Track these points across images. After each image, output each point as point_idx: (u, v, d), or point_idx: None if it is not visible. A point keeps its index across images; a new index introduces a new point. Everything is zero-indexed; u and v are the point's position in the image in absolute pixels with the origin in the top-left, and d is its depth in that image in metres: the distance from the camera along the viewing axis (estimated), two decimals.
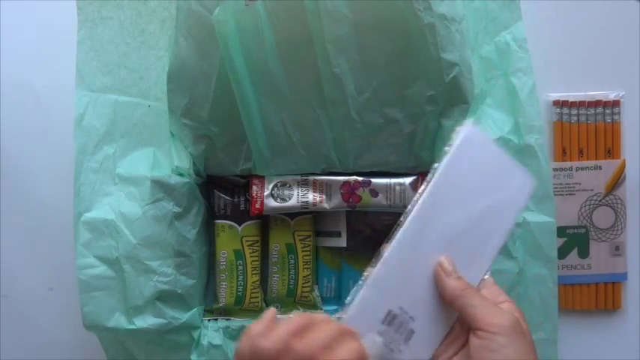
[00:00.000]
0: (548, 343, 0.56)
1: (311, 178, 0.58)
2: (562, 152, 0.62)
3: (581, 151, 0.62)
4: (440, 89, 0.53)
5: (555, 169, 0.61)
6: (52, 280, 0.64)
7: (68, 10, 0.57)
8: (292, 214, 0.59)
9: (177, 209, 0.55)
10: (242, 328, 0.57)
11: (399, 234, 0.41)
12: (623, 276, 0.62)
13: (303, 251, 0.60)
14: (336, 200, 0.58)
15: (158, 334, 0.56)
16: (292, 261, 0.60)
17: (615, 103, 0.61)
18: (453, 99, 0.54)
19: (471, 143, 0.43)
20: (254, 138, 0.55)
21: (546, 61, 0.59)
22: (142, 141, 0.57)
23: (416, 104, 0.54)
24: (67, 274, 0.59)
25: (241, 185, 0.59)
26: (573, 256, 0.62)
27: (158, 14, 0.57)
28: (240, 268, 0.59)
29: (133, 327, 0.55)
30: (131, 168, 0.56)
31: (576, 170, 0.61)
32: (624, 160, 0.61)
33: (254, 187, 0.58)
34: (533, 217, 0.56)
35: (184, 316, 0.56)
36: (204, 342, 0.57)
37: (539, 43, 0.57)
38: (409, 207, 0.42)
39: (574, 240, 0.62)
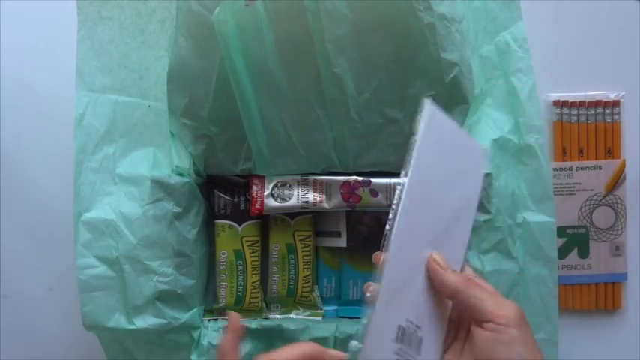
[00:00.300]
0: (548, 343, 0.56)
1: (311, 178, 0.58)
2: (562, 152, 0.62)
3: (581, 151, 0.62)
4: (440, 89, 0.53)
5: (555, 169, 0.61)
6: (52, 280, 0.64)
7: (68, 10, 0.57)
8: (292, 214, 0.59)
9: (177, 209, 0.55)
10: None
11: (392, 245, 0.38)
12: (623, 276, 0.62)
13: (303, 251, 0.60)
14: (336, 200, 0.58)
15: (158, 334, 0.56)
16: (292, 261, 0.60)
17: (615, 103, 0.61)
18: (453, 99, 0.54)
19: (435, 127, 0.41)
20: (254, 138, 0.55)
21: (546, 61, 0.59)
22: (141, 141, 0.57)
23: (416, 104, 0.54)
24: (67, 274, 0.59)
25: (241, 185, 0.59)
26: (573, 256, 0.62)
27: (158, 14, 0.57)
28: (240, 268, 0.59)
29: (132, 327, 0.55)
30: (131, 168, 0.56)
31: (576, 170, 0.61)
32: (624, 160, 0.61)
33: (254, 187, 0.58)
34: (533, 217, 0.56)
35: (184, 316, 0.56)
36: (204, 342, 0.57)
37: (539, 43, 0.57)
38: (394, 202, 0.40)
39: (574, 240, 0.62)
